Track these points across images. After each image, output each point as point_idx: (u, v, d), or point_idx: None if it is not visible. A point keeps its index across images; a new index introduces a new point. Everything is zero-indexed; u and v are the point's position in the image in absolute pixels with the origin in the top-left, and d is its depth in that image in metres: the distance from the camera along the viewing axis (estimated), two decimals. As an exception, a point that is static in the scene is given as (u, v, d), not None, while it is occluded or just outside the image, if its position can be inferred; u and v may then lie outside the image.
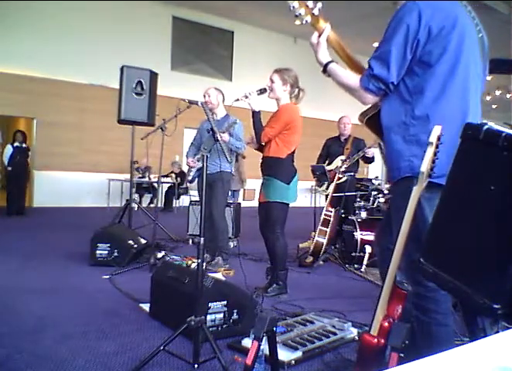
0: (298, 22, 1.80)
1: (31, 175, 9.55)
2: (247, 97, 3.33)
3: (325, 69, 1.83)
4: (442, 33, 1.63)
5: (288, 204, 3.44)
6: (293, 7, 1.72)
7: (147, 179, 9.95)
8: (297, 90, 3.46)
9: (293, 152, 3.46)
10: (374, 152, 5.39)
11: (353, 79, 1.76)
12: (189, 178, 4.61)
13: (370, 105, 1.90)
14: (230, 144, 4.22)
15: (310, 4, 1.73)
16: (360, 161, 5.61)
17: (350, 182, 5.24)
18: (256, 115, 3.40)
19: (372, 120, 1.87)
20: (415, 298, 1.67)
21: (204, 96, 4.43)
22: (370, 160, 5.48)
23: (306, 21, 1.76)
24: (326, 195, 5.36)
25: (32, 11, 9.75)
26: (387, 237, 1.84)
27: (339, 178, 5.11)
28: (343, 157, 5.37)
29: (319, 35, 1.80)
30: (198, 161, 4.36)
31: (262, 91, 3.38)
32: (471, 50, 1.71)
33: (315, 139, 5.82)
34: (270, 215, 3.44)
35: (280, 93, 3.40)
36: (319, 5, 1.76)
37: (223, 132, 4.06)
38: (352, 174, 5.27)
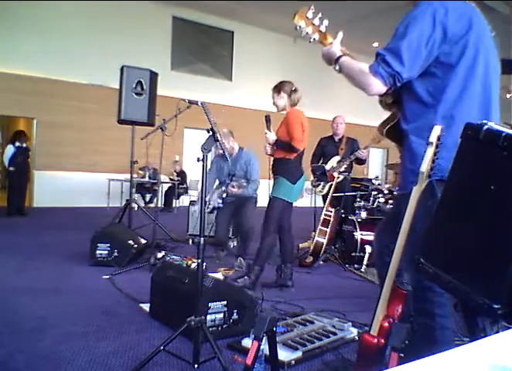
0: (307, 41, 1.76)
1: (31, 175, 9.54)
2: (267, 135, 3.57)
3: (336, 63, 1.73)
4: (459, 33, 1.61)
5: (290, 203, 3.63)
6: (299, 26, 1.71)
7: (147, 179, 9.94)
8: (293, 94, 3.63)
9: (302, 153, 3.62)
10: (368, 153, 5.38)
11: (362, 65, 1.66)
12: (209, 209, 4.51)
13: (387, 116, 1.89)
14: (246, 192, 4.52)
15: (316, 21, 1.71)
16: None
17: (347, 182, 5.24)
18: (277, 142, 3.57)
19: (392, 129, 1.85)
20: (422, 303, 1.67)
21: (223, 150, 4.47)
22: (362, 162, 5.43)
23: (314, 38, 1.74)
24: (322, 196, 5.35)
25: (32, 11, 9.74)
26: (390, 236, 1.84)
27: (337, 178, 5.10)
28: (338, 157, 5.37)
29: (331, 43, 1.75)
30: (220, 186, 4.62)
31: (268, 119, 3.57)
32: (489, 48, 1.71)
33: (314, 139, 5.79)
34: (269, 210, 3.60)
35: (281, 103, 3.63)
36: (326, 22, 1.73)
37: (233, 186, 4.44)
38: (347, 173, 5.27)
